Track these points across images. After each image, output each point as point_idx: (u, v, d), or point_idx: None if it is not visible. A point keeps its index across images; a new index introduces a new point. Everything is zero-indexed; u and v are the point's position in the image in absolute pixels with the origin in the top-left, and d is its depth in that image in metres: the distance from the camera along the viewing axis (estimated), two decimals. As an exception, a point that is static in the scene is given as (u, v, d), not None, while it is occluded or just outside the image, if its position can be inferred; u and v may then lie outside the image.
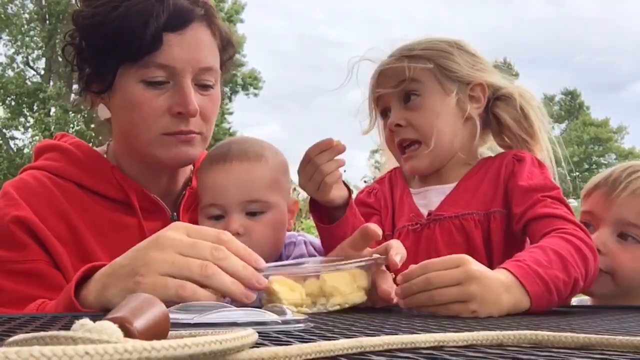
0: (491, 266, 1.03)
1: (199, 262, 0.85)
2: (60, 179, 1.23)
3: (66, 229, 1.18)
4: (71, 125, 18.83)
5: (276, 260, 1.23)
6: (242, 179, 1.22)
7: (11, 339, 0.35)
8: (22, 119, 20.31)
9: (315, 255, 1.30)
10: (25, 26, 20.74)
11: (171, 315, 0.45)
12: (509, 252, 1.12)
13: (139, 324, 0.39)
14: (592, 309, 1.20)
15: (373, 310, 1.00)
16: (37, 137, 19.20)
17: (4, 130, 20.60)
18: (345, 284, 0.97)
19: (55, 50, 19.65)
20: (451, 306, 0.92)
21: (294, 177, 1.34)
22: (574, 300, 1.41)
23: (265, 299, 0.95)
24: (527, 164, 1.28)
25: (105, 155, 1.31)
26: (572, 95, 31.01)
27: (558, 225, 1.14)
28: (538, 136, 1.35)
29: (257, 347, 0.40)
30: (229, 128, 21.43)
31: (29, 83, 20.40)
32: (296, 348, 0.41)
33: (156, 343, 0.32)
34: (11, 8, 20.83)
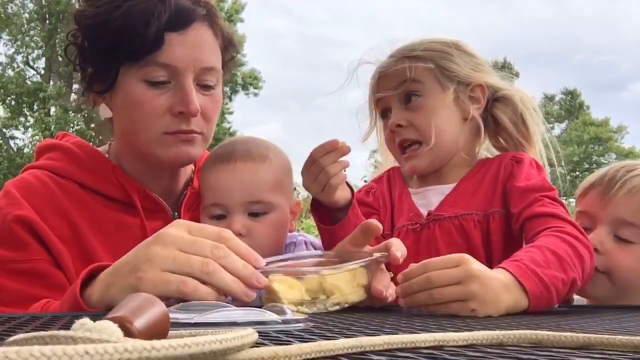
0: (491, 266, 1.03)
1: (200, 259, 0.85)
2: (62, 178, 1.23)
3: (68, 228, 1.18)
4: (71, 125, 18.83)
5: None
6: (246, 179, 1.22)
7: (11, 339, 0.35)
8: (22, 119, 20.32)
9: (315, 256, 1.29)
10: (25, 26, 20.74)
11: (171, 315, 0.45)
12: (508, 252, 1.12)
13: (139, 323, 0.39)
14: (592, 309, 1.20)
15: (373, 310, 1.00)
16: (37, 137, 19.21)
17: (4, 129, 20.60)
18: (345, 282, 0.97)
19: (55, 49, 19.67)
20: (451, 305, 0.93)
21: (295, 177, 1.34)
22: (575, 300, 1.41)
23: (265, 297, 0.95)
24: (525, 166, 1.29)
25: (106, 155, 1.31)
26: (572, 94, 31.00)
27: (554, 224, 1.15)
28: (533, 139, 1.37)
29: (257, 346, 0.40)
30: (229, 128, 21.43)
31: (29, 83, 20.41)
32: (296, 347, 0.41)
33: (156, 343, 0.32)
34: (11, 8, 20.84)
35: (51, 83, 20.46)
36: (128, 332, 0.37)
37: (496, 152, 1.42)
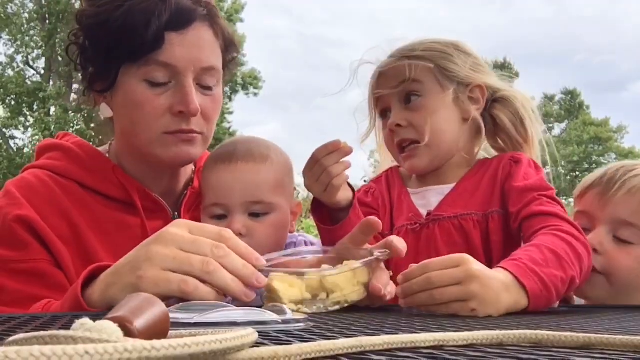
0: (490, 266, 1.03)
1: (200, 258, 0.85)
2: (62, 178, 1.23)
3: (68, 228, 1.18)
4: (71, 125, 18.83)
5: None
6: (247, 179, 1.21)
7: (11, 339, 0.35)
8: (22, 119, 20.32)
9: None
10: (25, 26, 20.74)
11: (171, 315, 0.45)
12: (507, 252, 1.12)
13: (139, 323, 0.39)
14: (592, 309, 1.20)
15: (373, 310, 1.00)
16: (37, 137, 19.21)
17: (4, 129, 20.60)
18: (346, 281, 0.97)
19: (55, 49, 19.67)
20: (451, 305, 0.93)
21: (296, 178, 1.34)
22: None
23: (266, 295, 0.95)
24: (524, 166, 1.29)
25: (107, 155, 1.32)
26: (572, 94, 31.00)
27: (552, 222, 1.15)
28: (531, 140, 1.38)
29: (257, 346, 0.40)
30: (229, 127, 21.44)
31: (29, 82, 20.41)
32: (296, 347, 0.41)
33: (156, 342, 0.32)
34: (11, 7, 20.84)
35: (51, 83, 20.46)
36: (128, 332, 0.37)
37: (494, 153, 1.43)
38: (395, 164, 1.46)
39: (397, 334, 0.52)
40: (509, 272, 0.98)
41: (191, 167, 1.39)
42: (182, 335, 0.45)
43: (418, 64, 1.32)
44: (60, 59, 20.12)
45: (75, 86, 19.74)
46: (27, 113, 20.15)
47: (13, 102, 20.17)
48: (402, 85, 1.33)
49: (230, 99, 21.36)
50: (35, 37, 20.73)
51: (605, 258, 1.34)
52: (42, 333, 0.34)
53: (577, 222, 1.21)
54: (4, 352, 0.27)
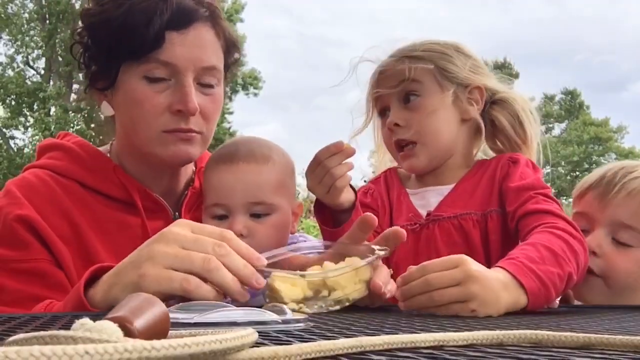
0: (490, 265, 1.03)
1: (201, 255, 0.86)
2: (63, 177, 1.24)
3: (69, 227, 1.18)
4: (71, 125, 18.84)
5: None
6: (248, 180, 1.21)
7: (11, 339, 0.35)
8: (22, 119, 20.33)
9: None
10: (25, 26, 20.75)
11: (171, 315, 0.45)
12: (506, 251, 1.13)
13: (139, 323, 0.39)
14: (592, 309, 1.19)
15: (373, 310, 1.00)
16: (37, 137, 19.22)
17: (4, 129, 20.61)
18: (348, 279, 0.97)
19: (55, 49, 19.69)
20: (451, 306, 0.93)
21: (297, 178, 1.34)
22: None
23: (268, 295, 0.96)
24: (521, 166, 1.30)
25: (108, 155, 1.32)
26: (572, 94, 30.99)
27: (547, 220, 1.15)
28: (530, 141, 1.38)
29: (257, 346, 0.40)
30: (229, 128, 21.44)
31: (29, 83, 20.42)
32: (296, 347, 0.41)
33: (156, 342, 0.32)
34: (11, 8, 20.84)
35: (51, 83, 20.47)
36: (128, 332, 0.37)
37: (492, 155, 1.43)
38: (394, 164, 1.46)
39: (397, 334, 0.52)
40: (507, 271, 0.99)
41: (192, 167, 1.39)
42: (182, 335, 0.45)
43: (418, 64, 1.32)
44: (60, 59, 20.15)
45: (75, 86, 19.79)
46: (27, 113, 20.15)
47: (13, 102, 20.18)
48: (402, 85, 1.33)
49: (231, 99, 21.36)
50: (35, 37, 20.74)
51: (604, 261, 1.34)
52: (42, 333, 0.34)
53: (575, 223, 1.21)
54: (4, 352, 0.27)
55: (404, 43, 1.39)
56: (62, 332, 0.33)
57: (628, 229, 1.34)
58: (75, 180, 1.24)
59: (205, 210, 1.25)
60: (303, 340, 0.54)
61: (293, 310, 0.81)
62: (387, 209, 1.39)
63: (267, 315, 0.66)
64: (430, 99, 1.33)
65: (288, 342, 0.51)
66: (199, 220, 1.24)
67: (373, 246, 1.02)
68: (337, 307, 0.98)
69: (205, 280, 0.85)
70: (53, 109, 19.62)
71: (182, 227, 0.91)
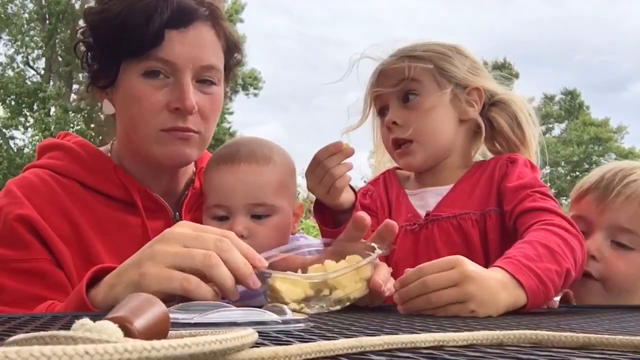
0: (490, 264, 1.03)
1: (202, 252, 0.87)
2: (64, 177, 1.24)
3: (69, 227, 1.18)
4: (71, 125, 18.84)
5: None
6: (249, 181, 1.21)
7: (11, 339, 0.35)
8: (22, 119, 20.33)
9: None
10: (25, 26, 20.75)
11: (171, 315, 0.45)
12: (506, 250, 1.13)
13: (139, 323, 0.39)
14: (592, 309, 1.19)
15: (373, 310, 1.00)
16: (37, 137, 19.22)
17: (4, 130, 20.61)
18: (348, 279, 0.97)
19: (55, 50, 19.69)
20: (450, 307, 0.92)
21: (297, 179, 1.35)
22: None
23: (269, 295, 0.96)
24: (519, 165, 1.30)
25: (108, 155, 1.32)
26: (572, 95, 30.98)
27: (544, 217, 1.15)
28: (529, 143, 1.38)
29: (257, 346, 0.40)
30: (229, 128, 21.45)
31: (29, 83, 20.42)
32: (296, 348, 0.41)
33: (156, 343, 0.32)
34: (11, 8, 20.85)
35: (51, 83, 20.47)
36: (128, 332, 0.37)
37: (491, 157, 1.43)
38: (393, 164, 1.46)
39: (397, 334, 0.52)
40: (505, 270, 0.99)
41: (192, 167, 1.39)
42: (182, 335, 0.45)
43: (418, 64, 1.33)
44: (60, 59, 20.15)
45: (75, 86, 19.81)
46: (27, 113, 20.15)
47: (13, 103, 20.18)
48: (401, 84, 1.34)
49: (231, 99, 21.36)
50: (35, 38, 20.74)
51: (603, 265, 1.34)
52: (42, 333, 0.34)
53: (572, 220, 1.21)
54: (4, 352, 0.27)
55: (405, 43, 1.40)
56: (62, 332, 0.33)
57: (627, 232, 1.34)
58: (76, 180, 1.24)
59: (206, 211, 1.25)
60: (303, 340, 0.54)
61: (294, 311, 0.81)
62: (386, 210, 1.40)
63: (267, 316, 0.66)
64: (429, 98, 1.34)
65: (288, 343, 0.51)
66: (199, 220, 1.24)
67: (372, 244, 1.02)
68: (338, 307, 0.98)
69: (206, 277, 0.86)
70: (53, 109, 19.62)
71: (183, 228, 0.92)
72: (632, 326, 0.77)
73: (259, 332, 0.43)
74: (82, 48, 1.27)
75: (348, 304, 0.99)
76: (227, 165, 1.23)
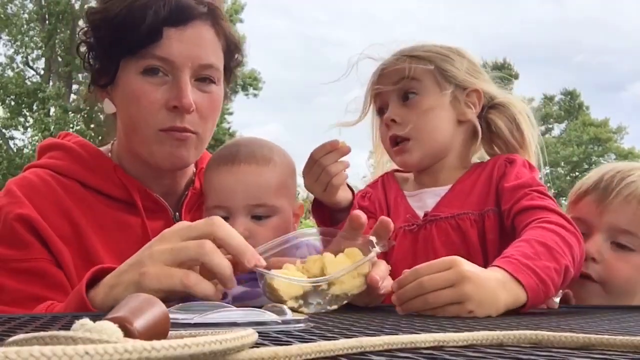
0: (488, 264, 1.03)
1: (196, 241, 0.87)
2: (64, 177, 1.24)
3: (69, 227, 1.18)
4: (71, 126, 18.84)
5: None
6: (249, 182, 1.21)
7: (11, 339, 0.35)
8: (21, 119, 20.33)
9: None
10: (25, 26, 20.75)
11: (171, 315, 0.45)
12: (504, 250, 1.13)
13: (139, 323, 0.39)
14: (592, 309, 1.19)
15: (373, 310, 1.00)
16: (36, 137, 19.23)
17: (3, 130, 20.61)
18: (346, 275, 0.97)
19: (55, 50, 19.69)
20: (448, 308, 0.92)
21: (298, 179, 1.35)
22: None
23: (267, 292, 0.96)
24: (518, 166, 1.31)
25: (109, 155, 1.32)
26: (571, 95, 30.98)
27: (541, 215, 1.15)
28: (527, 145, 1.39)
29: (257, 347, 0.40)
30: (229, 128, 21.44)
31: (29, 83, 20.42)
32: (296, 348, 0.41)
33: (156, 343, 0.32)
34: (11, 8, 20.85)
35: (50, 83, 20.47)
36: (128, 333, 0.37)
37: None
38: (392, 165, 1.47)
39: (397, 334, 0.52)
40: (504, 269, 0.98)
41: (192, 167, 1.39)
42: (182, 335, 0.45)
43: (419, 64, 1.33)
44: (59, 59, 20.15)
45: (74, 86, 19.81)
46: (27, 113, 20.16)
47: (13, 103, 20.18)
48: (402, 83, 1.34)
49: (231, 100, 21.36)
50: (34, 38, 20.74)
51: (603, 267, 1.34)
52: (42, 333, 0.34)
53: (569, 217, 1.21)
54: (4, 352, 0.27)
55: (407, 44, 1.41)
56: (62, 333, 0.33)
57: (627, 234, 1.34)
58: (76, 180, 1.24)
59: (206, 212, 1.25)
60: (303, 340, 0.54)
61: (292, 309, 0.81)
62: (384, 212, 1.40)
63: (267, 316, 0.66)
64: (429, 98, 1.34)
65: (288, 343, 0.51)
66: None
67: (371, 238, 1.02)
68: (335, 307, 0.98)
69: (206, 274, 0.86)
70: (52, 110, 19.62)
71: (181, 225, 0.93)
72: (632, 326, 0.77)
73: (259, 333, 0.43)
74: (83, 48, 1.27)
75: (346, 302, 0.99)
76: (227, 166, 1.23)
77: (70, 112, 19.05)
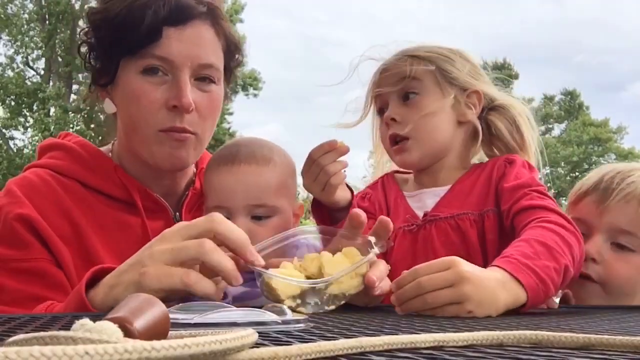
0: (488, 264, 1.03)
1: (195, 240, 0.87)
2: (64, 177, 1.24)
3: (69, 227, 1.18)
4: (71, 126, 18.84)
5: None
6: (250, 182, 1.21)
7: (11, 339, 0.35)
8: (21, 119, 20.33)
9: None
10: (25, 26, 20.75)
11: (171, 315, 0.45)
12: (504, 249, 1.13)
13: (139, 324, 0.39)
14: (592, 309, 1.19)
15: (373, 310, 1.00)
16: (36, 137, 19.23)
17: (3, 130, 20.61)
18: (344, 275, 0.97)
19: (55, 50, 19.69)
20: (447, 308, 0.92)
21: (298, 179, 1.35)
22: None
23: (265, 292, 0.96)
24: (517, 166, 1.31)
25: (109, 155, 1.32)
26: (571, 95, 30.97)
27: (540, 215, 1.15)
28: (527, 147, 1.39)
29: (257, 347, 0.40)
30: (229, 128, 21.44)
31: (29, 83, 20.42)
32: (296, 348, 0.41)
33: (156, 343, 0.32)
34: (11, 8, 20.85)
35: (51, 83, 20.47)
36: (128, 333, 0.37)
37: None
38: (392, 165, 1.47)
39: (397, 334, 0.52)
40: (503, 269, 0.98)
41: (192, 167, 1.39)
42: (182, 335, 0.45)
43: (420, 64, 1.34)
44: (59, 59, 20.15)
45: (75, 87, 19.80)
46: (27, 114, 20.15)
47: (13, 103, 20.18)
48: (402, 82, 1.34)
49: (231, 100, 21.36)
50: (35, 38, 20.74)
51: (603, 267, 1.34)
52: (42, 334, 0.34)
53: (568, 217, 1.21)
54: (4, 352, 0.27)
55: (408, 45, 1.41)
56: (62, 333, 0.33)
57: (627, 234, 1.34)
58: (76, 180, 1.24)
59: (206, 212, 1.25)
60: (303, 340, 0.54)
61: (291, 309, 0.81)
62: (384, 212, 1.40)
63: (267, 316, 0.66)
64: (429, 98, 1.34)
65: (288, 343, 0.51)
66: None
67: (370, 238, 1.02)
68: (333, 307, 0.98)
69: (207, 274, 0.86)
70: (53, 110, 19.62)
71: (180, 226, 0.92)
72: (632, 326, 0.77)
73: (259, 333, 0.43)
74: (84, 49, 1.27)
75: (343, 302, 0.99)
76: (227, 166, 1.23)
77: (70, 112, 19.05)
